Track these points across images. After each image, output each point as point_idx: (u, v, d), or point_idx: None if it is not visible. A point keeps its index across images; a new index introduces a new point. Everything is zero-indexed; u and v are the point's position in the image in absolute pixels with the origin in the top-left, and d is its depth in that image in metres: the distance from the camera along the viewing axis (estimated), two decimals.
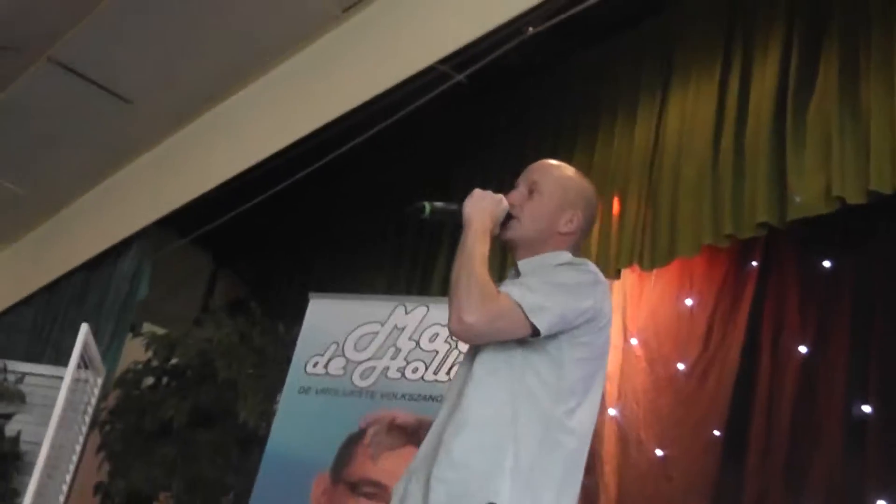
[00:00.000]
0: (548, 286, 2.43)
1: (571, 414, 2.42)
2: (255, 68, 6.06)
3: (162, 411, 5.63)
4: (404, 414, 2.78)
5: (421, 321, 4.70)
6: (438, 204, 2.61)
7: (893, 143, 3.88)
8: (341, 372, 4.77)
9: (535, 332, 2.37)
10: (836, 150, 4.05)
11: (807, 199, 4.10)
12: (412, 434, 2.73)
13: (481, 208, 2.54)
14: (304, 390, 4.81)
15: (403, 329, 4.72)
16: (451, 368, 4.47)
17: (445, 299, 5.15)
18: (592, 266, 2.55)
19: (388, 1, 5.38)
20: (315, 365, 4.83)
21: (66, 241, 7.46)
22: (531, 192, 2.63)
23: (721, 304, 4.81)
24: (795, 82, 4.37)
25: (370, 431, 2.75)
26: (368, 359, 4.74)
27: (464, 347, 4.18)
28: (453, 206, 2.59)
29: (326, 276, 6.91)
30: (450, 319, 2.40)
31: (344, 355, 4.80)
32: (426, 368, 4.56)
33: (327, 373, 4.79)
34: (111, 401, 6.16)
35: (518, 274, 2.59)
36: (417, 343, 4.66)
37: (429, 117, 5.65)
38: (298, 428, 4.73)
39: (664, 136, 4.90)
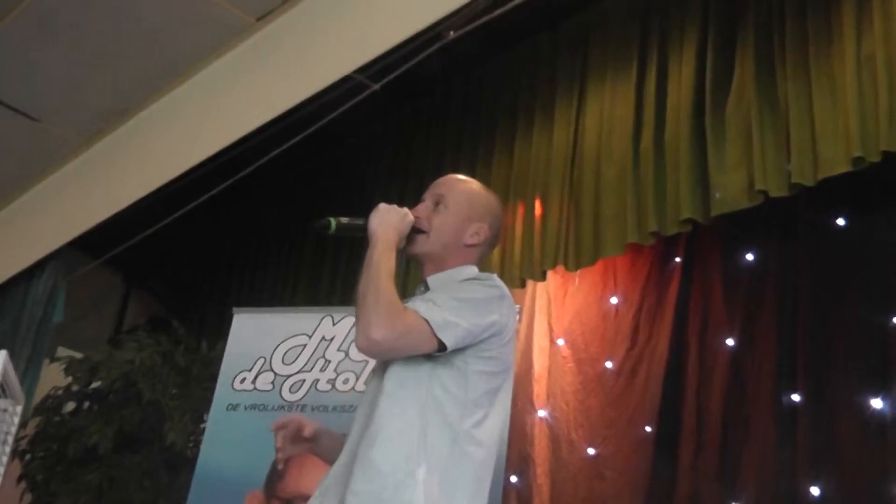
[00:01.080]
0: (455, 302, 2.45)
1: (479, 425, 2.46)
2: (166, 81, 5.93)
3: (85, 437, 5.48)
4: (310, 423, 2.74)
5: (349, 331, 4.65)
6: (344, 219, 2.61)
7: (812, 136, 3.95)
8: (270, 386, 4.70)
9: (442, 348, 2.40)
10: (757, 144, 4.11)
11: (729, 193, 4.15)
12: (314, 441, 2.71)
13: (387, 222, 2.55)
14: (233, 407, 4.73)
15: (332, 340, 4.67)
16: None
17: None
18: (498, 280, 2.59)
19: (303, 9, 5.30)
20: (243, 381, 4.76)
21: None
22: (437, 205, 2.67)
23: (646, 302, 4.85)
24: (712, 78, 4.43)
25: (278, 437, 2.71)
26: (297, 372, 4.69)
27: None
28: (359, 221, 2.60)
29: (246, 291, 6.83)
30: (357, 335, 2.41)
31: (272, 369, 4.73)
32: (357, 379, 4.53)
33: (255, 388, 4.73)
34: (30, 428, 5.99)
35: (427, 289, 2.61)
36: (347, 353, 4.62)
37: (345, 127, 5.61)
38: (228, 445, 4.65)
39: (583, 137, 4.93)
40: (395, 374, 2.46)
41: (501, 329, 2.50)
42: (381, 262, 2.47)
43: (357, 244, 5.89)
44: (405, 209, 2.62)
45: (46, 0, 5.29)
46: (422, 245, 2.63)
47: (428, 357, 2.44)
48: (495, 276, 2.63)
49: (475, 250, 2.67)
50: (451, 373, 2.45)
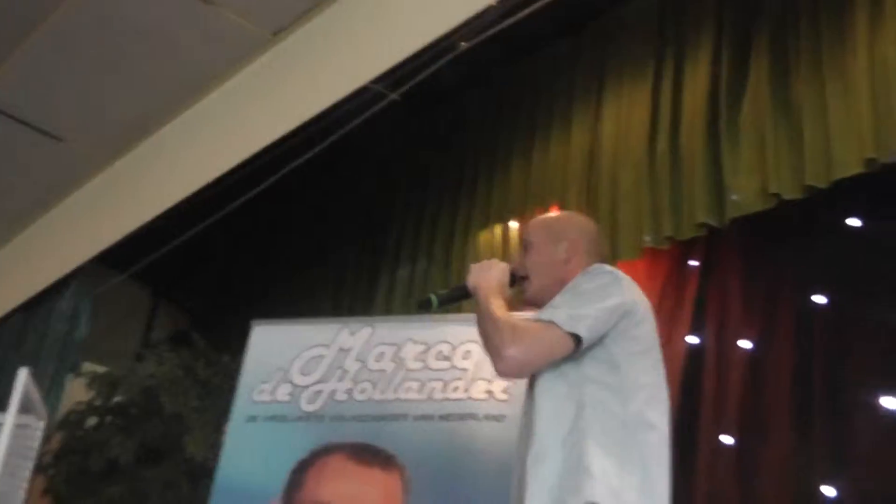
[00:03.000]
0: (571, 298, 2.52)
1: (646, 408, 2.47)
2: (186, 97, 6.00)
3: (107, 450, 5.52)
4: None
5: (367, 342, 4.64)
6: (443, 292, 2.80)
7: (826, 138, 3.93)
8: (288, 398, 4.69)
9: (578, 341, 2.44)
10: (771, 147, 4.10)
11: (744, 197, 4.14)
12: None
13: (484, 277, 2.69)
14: (252, 419, 4.72)
15: (349, 350, 4.65)
16: (398, 387, 4.42)
17: (390, 318, 5.16)
18: (607, 266, 2.66)
19: (318, 22, 5.35)
20: (261, 392, 4.75)
21: (1, 283, 7.32)
22: (525, 248, 2.81)
23: (664, 305, 4.81)
24: (727, 83, 4.43)
25: None
26: (315, 382, 4.67)
27: (414, 364, 4.23)
28: (458, 287, 2.76)
29: (269, 303, 6.84)
30: (493, 364, 2.48)
31: (290, 381, 4.72)
32: (374, 388, 4.50)
33: (274, 399, 4.71)
34: (54, 443, 6.04)
35: None
36: (364, 364, 4.60)
37: (365, 137, 5.63)
38: (247, 457, 4.64)
39: (600, 143, 4.93)
40: (545, 386, 2.51)
41: (631, 307, 2.55)
42: (490, 301, 2.58)
43: (380, 254, 5.99)
44: (495, 260, 2.78)
45: (66, 19, 5.36)
46: (530, 288, 2.75)
47: (571, 360, 2.48)
48: (604, 264, 2.69)
49: (578, 262, 2.74)
50: (598, 365, 2.49)
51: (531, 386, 2.55)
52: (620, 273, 2.62)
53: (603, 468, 2.32)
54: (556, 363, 2.49)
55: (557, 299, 2.54)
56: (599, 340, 2.47)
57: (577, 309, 2.45)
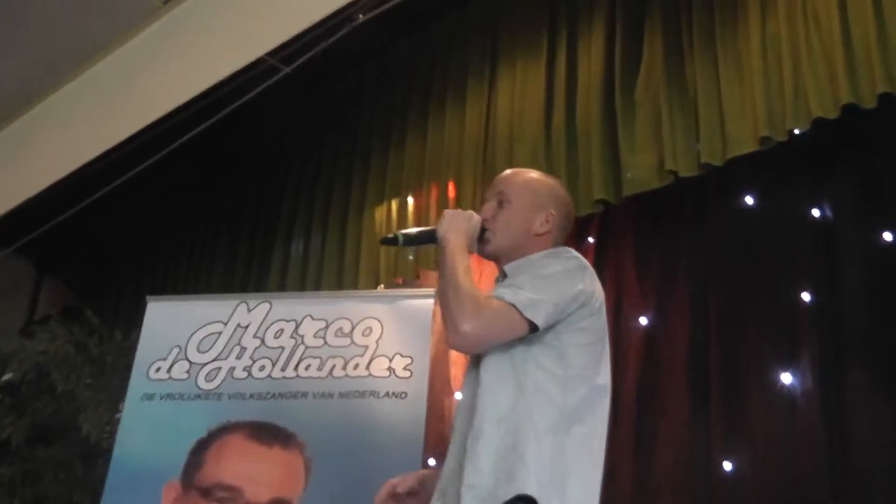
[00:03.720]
0: (535, 280, 2.48)
1: (583, 401, 2.47)
2: (74, 66, 5.86)
3: None
4: (404, 478, 2.79)
5: (264, 318, 4.60)
6: (412, 231, 2.71)
7: (720, 116, 4.03)
8: (185, 375, 4.63)
9: (534, 328, 2.42)
10: (666, 125, 4.18)
11: (640, 174, 4.21)
12: (421, 491, 2.74)
13: (455, 227, 2.60)
14: (148, 397, 4.65)
15: (247, 327, 4.61)
16: (298, 364, 4.41)
17: (288, 294, 5.11)
18: (574, 252, 2.63)
19: None
20: (158, 370, 4.68)
21: None
22: (500, 203, 2.70)
23: None
24: (622, 60, 4.50)
25: None
26: (213, 360, 4.62)
27: (313, 341, 4.21)
28: (427, 229, 2.67)
29: (160, 279, 6.74)
30: (447, 333, 2.45)
31: (187, 358, 4.66)
32: (273, 366, 4.48)
33: (171, 377, 4.65)
34: None
35: (505, 277, 2.64)
36: (262, 340, 4.57)
37: (258, 111, 5.57)
38: (144, 436, 4.57)
39: (495, 119, 4.96)
40: (491, 363, 2.48)
41: (589, 298, 2.53)
42: (456, 262, 2.51)
43: (272, 230, 5.93)
44: (471, 211, 2.68)
45: None
46: (492, 244, 2.67)
47: (521, 341, 2.46)
48: (570, 248, 2.67)
49: (548, 238, 2.70)
50: (547, 351, 2.47)
51: (477, 361, 2.54)
52: (585, 261, 2.62)
53: (537, 458, 2.34)
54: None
55: (521, 278, 2.50)
56: (552, 326, 2.46)
57: (539, 293, 2.43)
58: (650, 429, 4.22)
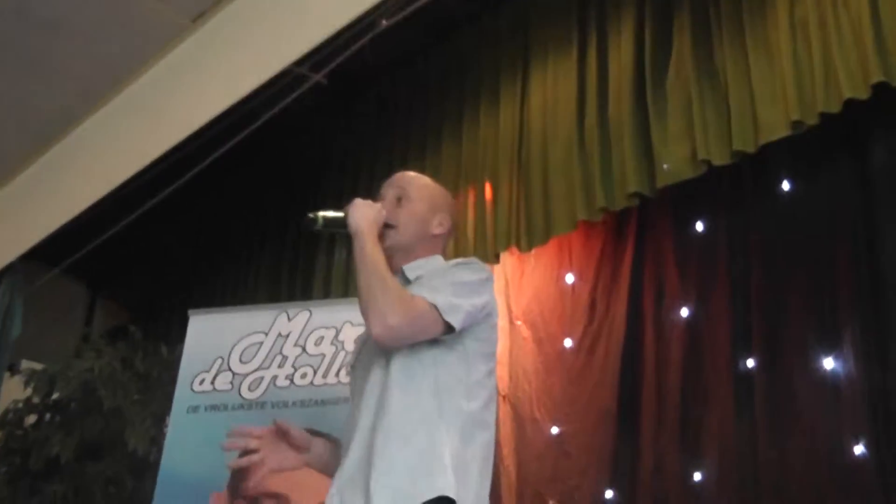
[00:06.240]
0: (453, 286, 2.52)
1: (484, 407, 2.53)
2: (109, 88, 5.92)
3: (47, 448, 5.44)
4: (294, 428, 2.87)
5: (305, 326, 4.63)
6: (329, 214, 2.71)
7: (751, 102, 3.98)
8: (228, 386, 4.66)
9: (449, 330, 2.47)
10: (698, 114, 4.15)
11: (674, 165, 4.18)
12: (308, 450, 2.84)
13: (366, 216, 2.63)
14: (193, 409, 4.69)
15: (288, 336, 4.64)
16: (339, 371, 4.42)
17: (327, 302, 5.12)
18: (482, 263, 2.69)
19: (237, 6, 5.29)
20: (201, 382, 4.71)
21: None
22: (399, 199, 2.76)
23: (601, 277, 4.85)
24: (651, 52, 4.47)
25: (251, 443, 2.85)
26: (255, 370, 4.65)
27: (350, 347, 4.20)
28: (339, 215, 2.69)
29: (207, 292, 6.77)
30: (372, 325, 2.45)
31: (230, 369, 4.69)
32: (314, 373, 4.50)
33: (214, 389, 4.69)
34: None
35: (405, 278, 2.66)
36: (304, 349, 4.59)
37: (292, 121, 5.58)
38: (190, 448, 4.61)
39: (529, 118, 4.95)
40: (401, 363, 2.50)
41: (492, 310, 2.62)
42: (375, 254, 2.55)
43: (314, 240, 5.94)
44: (378, 204, 2.71)
45: None
46: (392, 238, 2.69)
47: (430, 344, 2.50)
48: (476, 259, 2.72)
49: (440, 240, 2.78)
50: (454, 357, 2.52)
51: (385, 359, 2.54)
52: (492, 273, 2.68)
53: (454, 460, 2.37)
54: None
55: (437, 281, 2.54)
56: (459, 333, 2.51)
57: (456, 298, 2.48)
58: (696, 422, 4.20)
